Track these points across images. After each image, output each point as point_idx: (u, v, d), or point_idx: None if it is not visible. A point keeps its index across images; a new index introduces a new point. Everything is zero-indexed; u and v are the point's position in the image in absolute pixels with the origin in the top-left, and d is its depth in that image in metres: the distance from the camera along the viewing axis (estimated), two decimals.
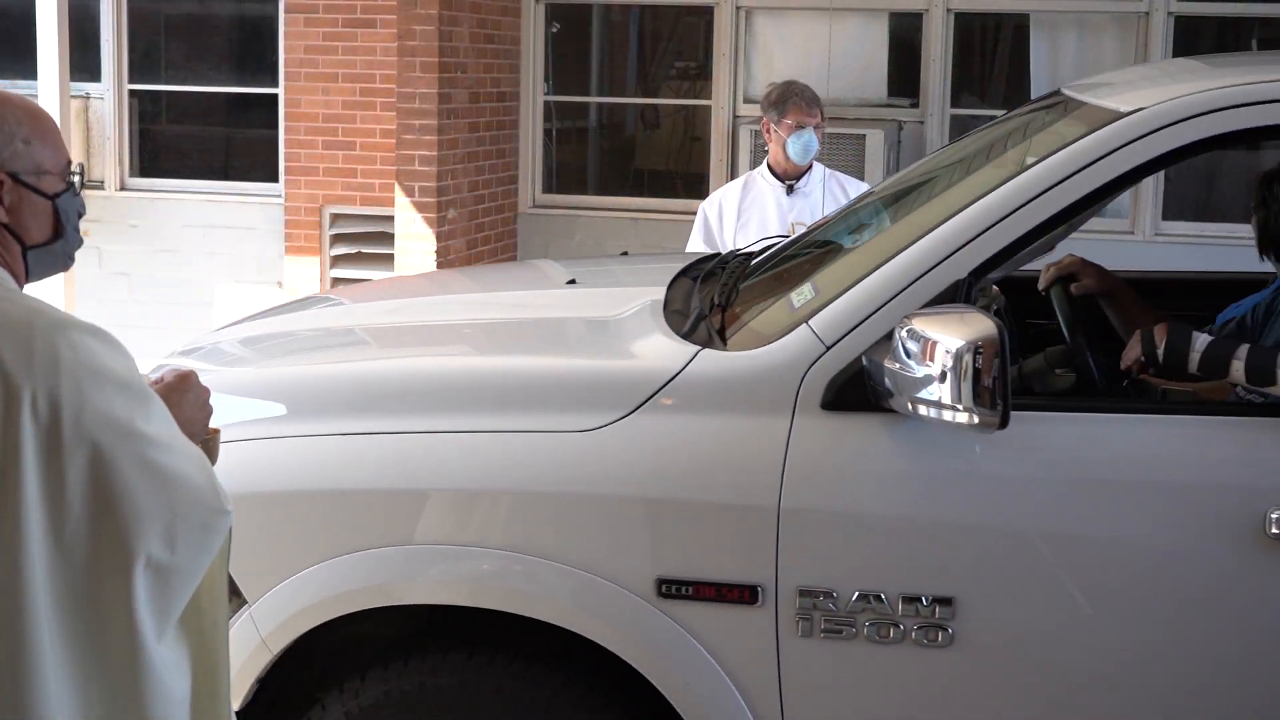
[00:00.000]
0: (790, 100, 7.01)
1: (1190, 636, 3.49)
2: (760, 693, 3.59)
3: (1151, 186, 11.09)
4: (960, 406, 3.31)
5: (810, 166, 7.14)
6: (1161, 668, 3.52)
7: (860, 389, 3.51)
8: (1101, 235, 10.88)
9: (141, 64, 12.61)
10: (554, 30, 12.46)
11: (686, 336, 3.90)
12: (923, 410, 3.37)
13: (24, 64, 12.13)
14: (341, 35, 11.76)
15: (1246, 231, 4.45)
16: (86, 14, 12.28)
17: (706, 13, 12.02)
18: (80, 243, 2.74)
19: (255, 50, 12.45)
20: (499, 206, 11.97)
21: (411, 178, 11.10)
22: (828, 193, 6.99)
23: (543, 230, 12.13)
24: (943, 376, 3.30)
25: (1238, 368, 3.63)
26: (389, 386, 3.94)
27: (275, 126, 12.13)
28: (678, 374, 3.66)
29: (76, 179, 2.69)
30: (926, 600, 3.48)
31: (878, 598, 3.50)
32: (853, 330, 3.55)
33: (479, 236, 11.64)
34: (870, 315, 3.54)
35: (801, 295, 3.84)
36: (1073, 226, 4.48)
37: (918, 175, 4.68)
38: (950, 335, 3.31)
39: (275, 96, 12.16)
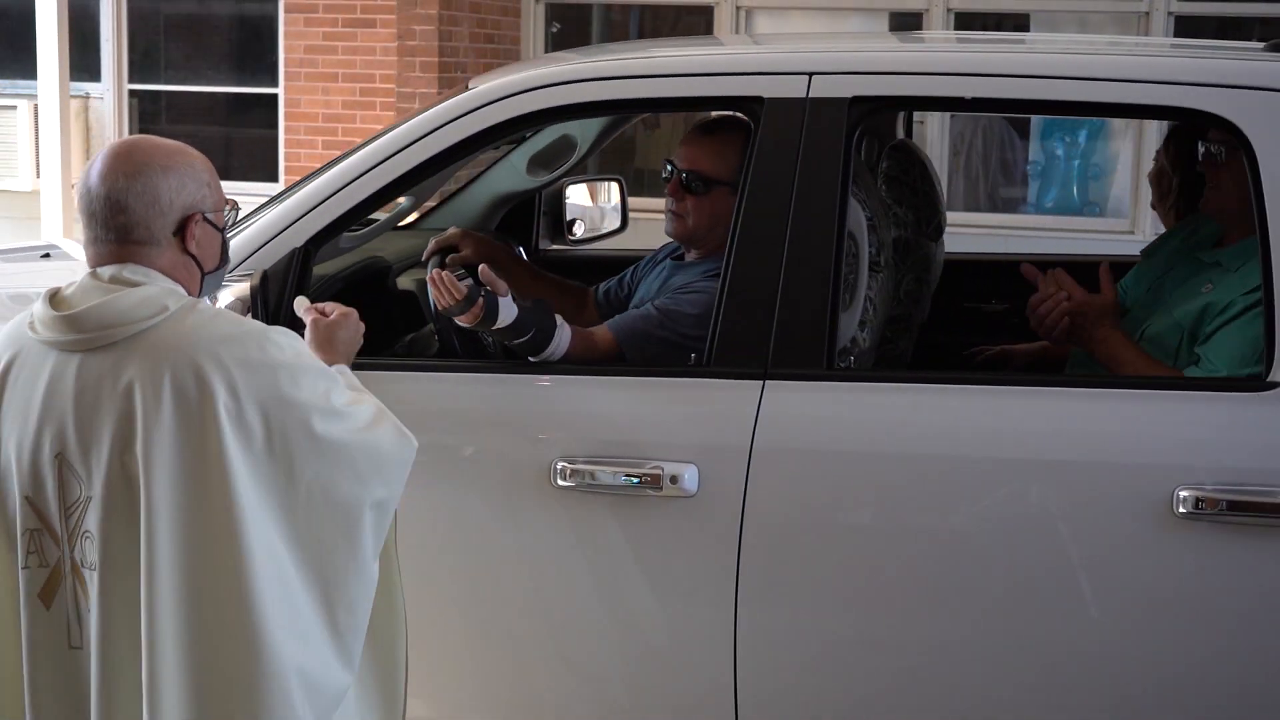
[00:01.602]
0: None
1: (495, 585, 3.71)
2: None
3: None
4: None
5: None
6: (463, 614, 3.76)
7: None
8: (1102, 235, 10.90)
9: (141, 64, 12.71)
10: (554, 30, 12.49)
11: None
12: None
13: (24, 64, 12.19)
14: (341, 35, 11.82)
15: None
16: (86, 14, 12.38)
17: (706, 12, 12.04)
18: (230, 266, 3.27)
19: (255, 50, 12.52)
20: None
21: None
22: None
23: None
24: None
25: (522, 344, 3.76)
26: None
27: (275, 126, 12.20)
28: None
29: (231, 213, 3.19)
30: None
31: None
32: None
33: None
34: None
35: None
36: (421, 195, 4.88)
37: None
38: (224, 298, 3.59)
39: (275, 96, 12.25)
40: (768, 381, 3.54)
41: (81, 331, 2.86)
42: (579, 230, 5.38)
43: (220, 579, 2.83)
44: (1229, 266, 3.83)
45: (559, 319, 3.75)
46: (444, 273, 3.68)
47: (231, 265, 3.70)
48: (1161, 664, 3.45)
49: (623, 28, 12.88)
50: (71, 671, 2.92)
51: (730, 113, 4.11)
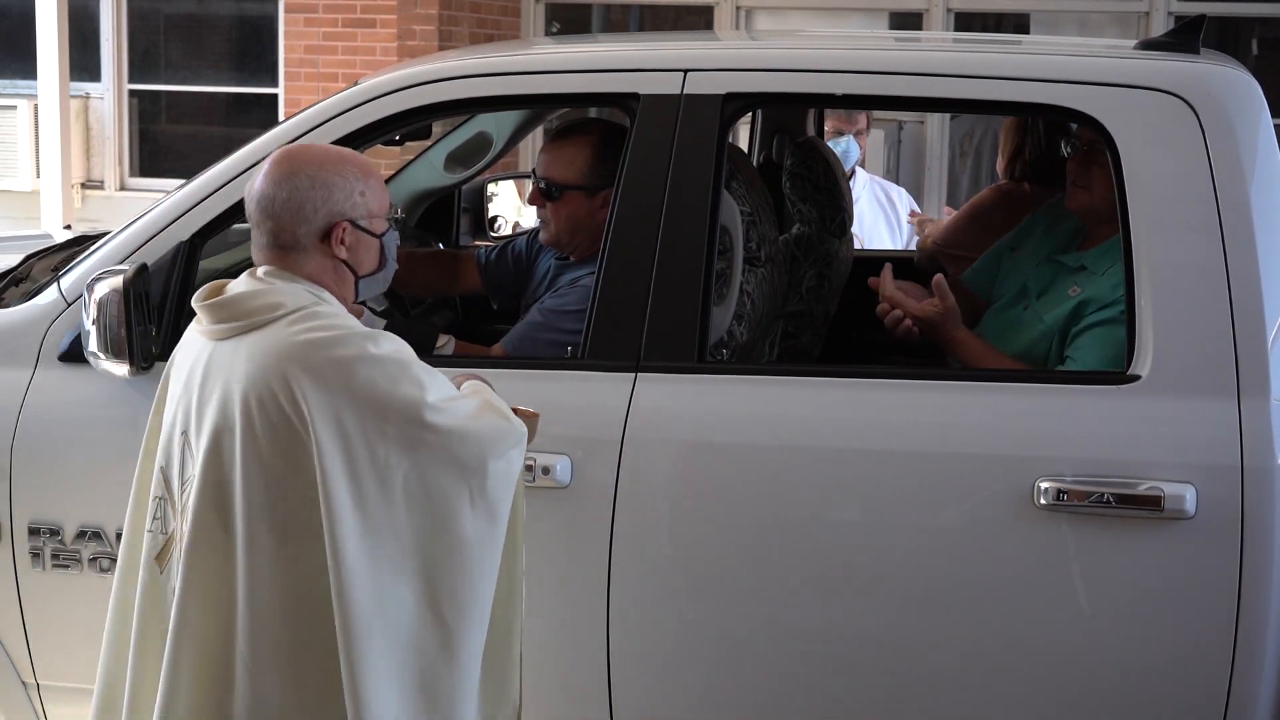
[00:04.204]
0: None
1: None
2: (8, 621, 3.91)
3: None
4: (103, 355, 3.62)
5: (853, 173, 6.97)
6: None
7: None
8: None
9: (141, 64, 12.80)
10: (554, 30, 12.54)
11: None
12: (92, 361, 3.66)
13: (24, 64, 12.30)
14: (341, 35, 11.85)
15: None
16: (86, 14, 12.48)
17: (706, 12, 12.07)
18: (395, 268, 3.36)
19: (255, 50, 12.59)
20: None
21: None
22: (871, 198, 6.98)
23: None
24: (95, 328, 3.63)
25: None
26: None
27: (275, 126, 12.16)
28: None
29: (397, 218, 3.33)
30: None
31: (96, 534, 3.81)
32: None
33: None
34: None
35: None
36: None
37: None
38: (99, 291, 3.59)
39: (275, 96, 12.29)
40: (640, 374, 3.57)
41: (213, 321, 3.12)
42: (500, 227, 5.43)
43: (308, 569, 3.04)
44: (1095, 269, 3.84)
45: (442, 339, 3.90)
46: None
47: (116, 260, 3.79)
48: (1022, 654, 3.46)
49: (623, 28, 12.92)
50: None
51: (583, 116, 4.17)
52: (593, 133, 4.15)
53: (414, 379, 3.04)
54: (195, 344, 3.17)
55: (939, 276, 3.81)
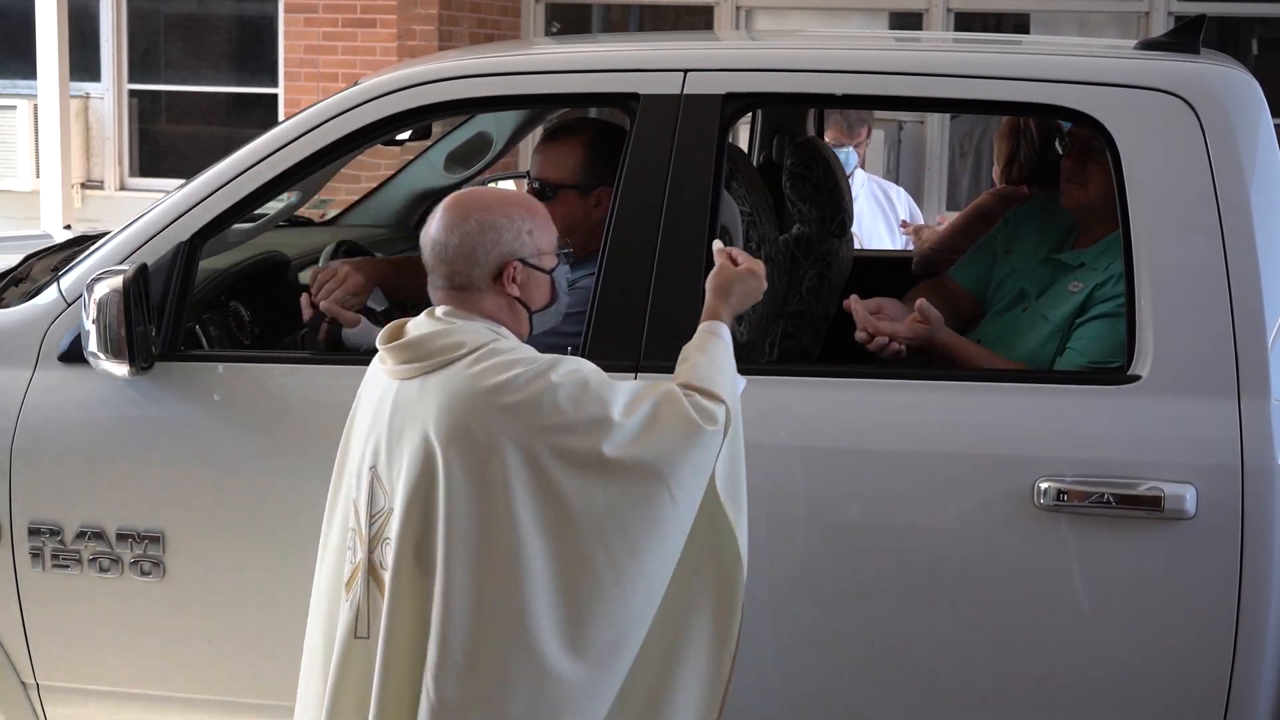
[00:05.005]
0: (831, 118, 6.92)
1: None
2: (8, 621, 3.93)
3: None
4: (103, 355, 3.65)
5: (852, 173, 6.90)
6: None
7: None
8: None
9: (141, 64, 12.81)
10: (554, 30, 12.55)
11: None
12: (92, 361, 3.68)
13: (24, 64, 12.31)
14: (341, 35, 11.86)
15: None
16: (86, 14, 12.49)
17: (706, 12, 12.07)
18: (568, 300, 3.46)
19: (255, 50, 12.60)
20: None
21: None
22: (870, 197, 6.99)
23: None
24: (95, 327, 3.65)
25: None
26: None
27: (275, 126, 12.16)
28: None
29: (565, 252, 3.40)
30: (139, 536, 3.81)
31: (97, 534, 3.83)
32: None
33: None
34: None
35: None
36: (308, 190, 4.97)
37: None
38: (99, 291, 3.62)
39: (275, 96, 12.30)
40: (640, 374, 3.56)
41: (398, 362, 3.22)
42: None
43: (501, 598, 3.11)
44: (1095, 266, 3.84)
45: None
46: (304, 298, 4.00)
47: (121, 260, 3.80)
48: (1023, 655, 3.47)
49: (623, 28, 12.93)
50: (356, 657, 3.25)
51: (575, 115, 4.17)
52: (585, 132, 4.15)
53: (597, 397, 3.14)
54: (380, 381, 3.28)
55: (922, 301, 3.80)
